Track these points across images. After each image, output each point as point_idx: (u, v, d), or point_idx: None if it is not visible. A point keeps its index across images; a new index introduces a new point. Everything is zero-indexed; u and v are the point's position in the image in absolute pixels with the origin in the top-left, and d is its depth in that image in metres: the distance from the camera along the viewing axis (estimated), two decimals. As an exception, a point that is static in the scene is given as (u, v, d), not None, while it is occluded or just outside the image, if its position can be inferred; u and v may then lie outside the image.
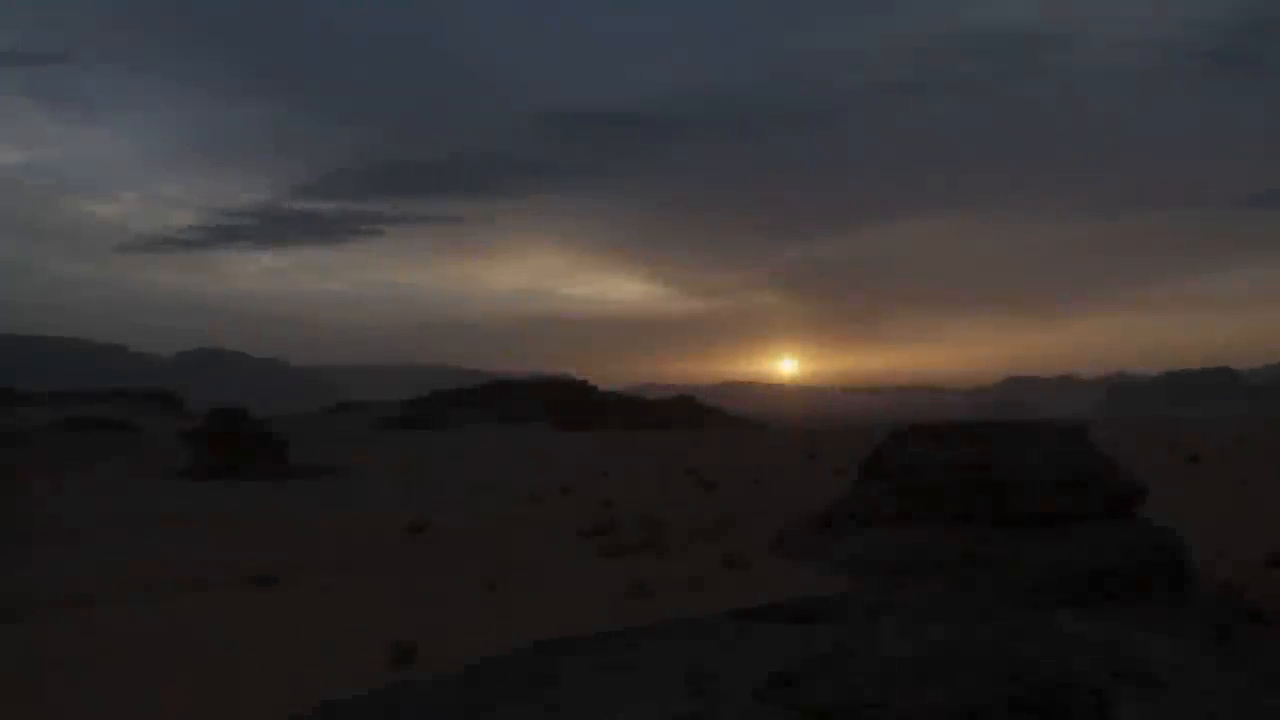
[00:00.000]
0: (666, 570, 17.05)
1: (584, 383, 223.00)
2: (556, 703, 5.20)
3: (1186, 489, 31.99)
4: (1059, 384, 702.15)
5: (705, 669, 5.61)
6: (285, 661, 11.59)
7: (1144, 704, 5.60)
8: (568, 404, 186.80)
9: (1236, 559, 18.51)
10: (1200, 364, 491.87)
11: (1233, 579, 16.29)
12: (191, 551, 25.63)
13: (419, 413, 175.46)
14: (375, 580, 18.17)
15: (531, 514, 33.81)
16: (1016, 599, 10.69)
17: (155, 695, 10.41)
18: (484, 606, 14.75)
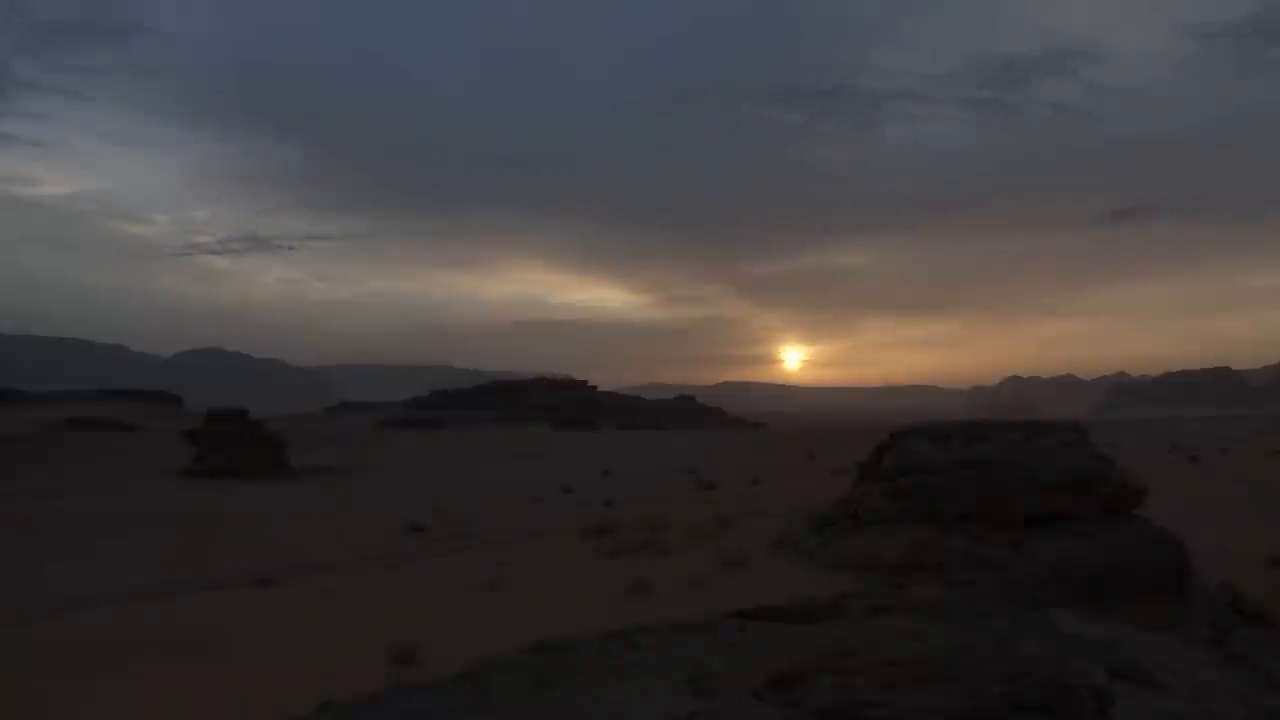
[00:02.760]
0: (666, 570, 17.04)
1: (584, 383, 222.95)
2: (557, 703, 5.20)
3: (1186, 489, 31.98)
4: (1059, 384, 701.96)
5: (705, 669, 5.61)
6: (285, 661, 11.58)
7: (1144, 704, 5.60)
8: (568, 404, 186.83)
9: (1236, 559, 18.51)
10: (1200, 364, 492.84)
11: (1233, 579, 16.29)
12: (191, 551, 25.62)
13: (419, 413, 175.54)
14: (375, 580, 18.16)
15: (532, 514, 33.81)
16: (1016, 599, 10.69)
17: (155, 695, 10.41)
18: (484, 606, 14.74)
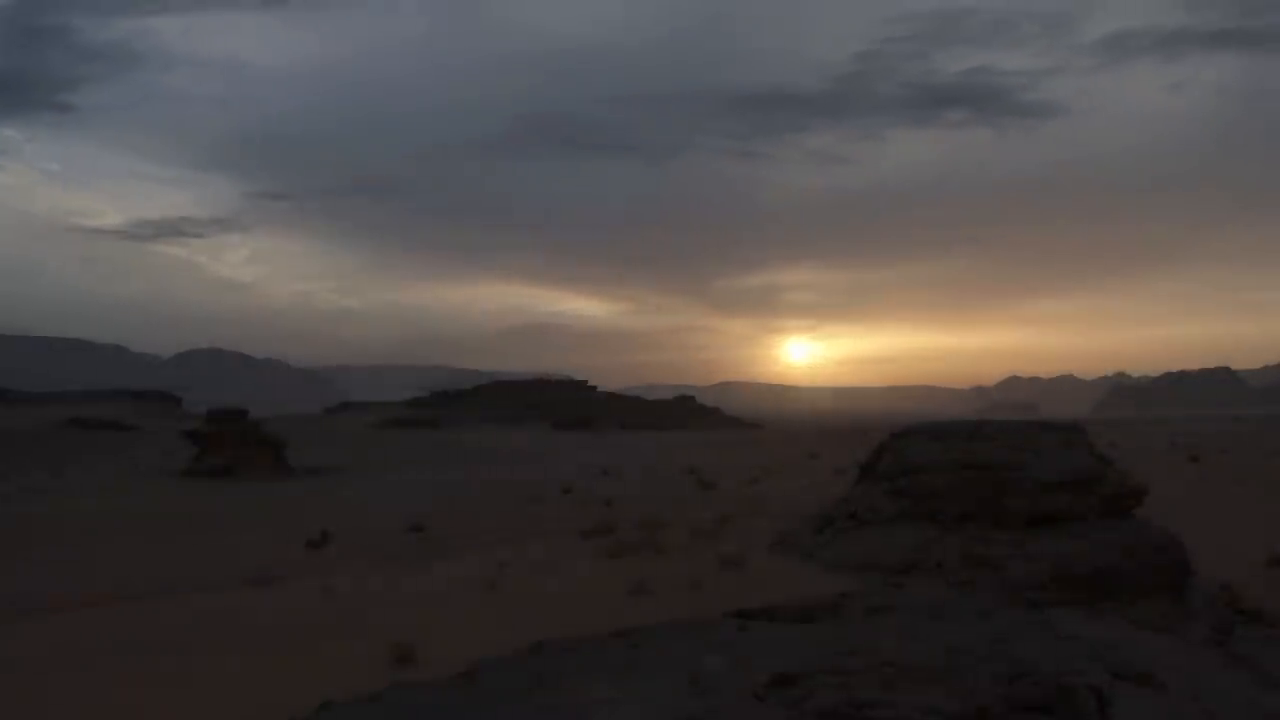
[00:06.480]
0: (666, 570, 17.03)
1: (583, 383, 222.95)
2: (556, 703, 5.20)
3: (1186, 489, 31.96)
4: (1059, 384, 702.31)
5: (705, 669, 5.61)
6: (285, 661, 11.58)
7: (1144, 704, 5.60)
8: (568, 404, 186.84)
9: (1236, 559, 18.52)
10: (1200, 364, 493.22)
11: (1233, 579, 16.30)
12: (191, 551, 25.63)
13: (419, 413, 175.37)
14: (375, 580, 18.17)
15: (532, 514, 33.82)
16: (1016, 599, 10.70)
17: (155, 696, 10.41)
18: (484, 606, 14.74)
